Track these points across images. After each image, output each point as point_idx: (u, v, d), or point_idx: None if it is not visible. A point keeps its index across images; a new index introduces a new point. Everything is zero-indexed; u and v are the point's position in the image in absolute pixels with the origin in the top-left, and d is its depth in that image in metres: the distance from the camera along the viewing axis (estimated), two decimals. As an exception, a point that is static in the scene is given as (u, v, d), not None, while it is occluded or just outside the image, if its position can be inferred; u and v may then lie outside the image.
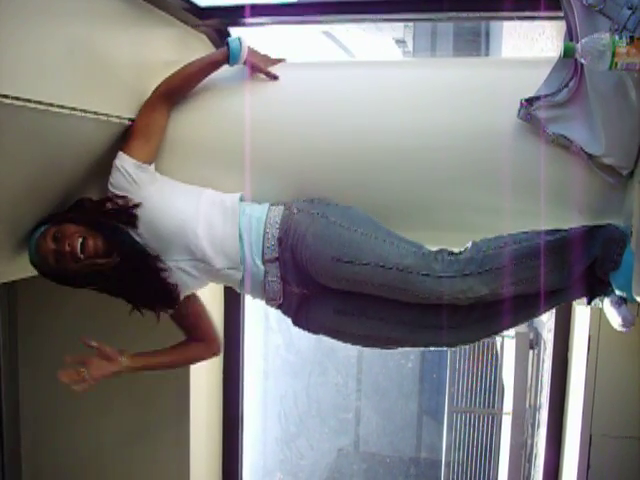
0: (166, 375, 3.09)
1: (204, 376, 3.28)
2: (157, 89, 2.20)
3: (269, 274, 2.13)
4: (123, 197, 2.10)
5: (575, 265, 2.01)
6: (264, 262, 2.12)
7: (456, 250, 2.07)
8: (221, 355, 3.37)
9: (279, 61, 2.31)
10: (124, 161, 2.11)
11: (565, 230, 2.04)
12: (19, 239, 2.08)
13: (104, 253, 2.01)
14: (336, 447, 14.97)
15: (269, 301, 2.20)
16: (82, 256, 1.97)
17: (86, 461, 3.33)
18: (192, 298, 2.27)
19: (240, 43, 2.19)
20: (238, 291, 2.28)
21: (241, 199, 2.22)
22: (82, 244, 1.96)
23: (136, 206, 2.09)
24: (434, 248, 2.09)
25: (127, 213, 2.09)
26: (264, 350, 14.61)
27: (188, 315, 2.27)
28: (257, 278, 2.15)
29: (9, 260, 2.15)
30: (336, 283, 2.09)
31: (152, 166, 2.17)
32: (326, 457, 14.91)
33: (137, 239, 2.09)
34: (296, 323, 2.24)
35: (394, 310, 2.11)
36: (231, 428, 3.53)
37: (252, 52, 2.23)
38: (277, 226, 2.12)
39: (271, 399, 15.00)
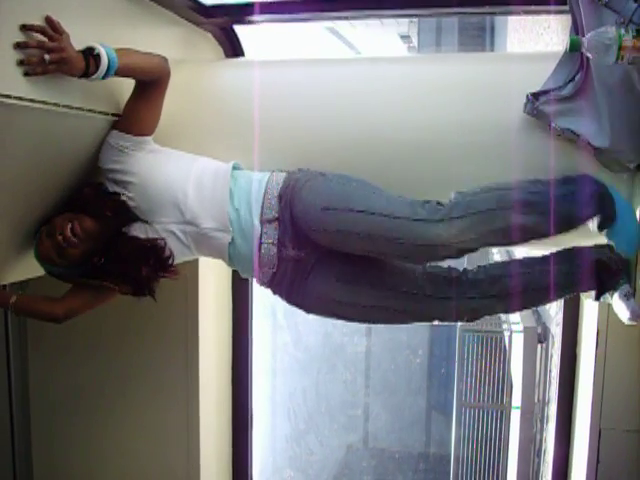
0: (176, 375, 3.12)
1: (213, 375, 3.29)
2: None
3: (265, 235, 2.10)
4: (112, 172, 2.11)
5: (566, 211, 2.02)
6: (262, 222, 2.09)
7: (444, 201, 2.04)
8: (230, 353, 3.40)
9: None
10: (110, 136, 2.11)
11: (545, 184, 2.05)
12: (24, 238, 2.09)
13: (96, 230, 2.04)
14: (345, 443, 14.99)
15: (262, 268, 2.14)
16: (76, 240, 1.99)
17: (96, 458, 3.35)
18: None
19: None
20: (228, 264, 2.23)
21: (236, 167, 2.20)
22: (72, 229, 1.99)
23: (116, 194, 2.10)
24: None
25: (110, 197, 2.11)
26: (272, 348, 14.64)
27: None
28: (253, 240, 2.11)
29: (15, 259, 2.17)
30: (326, 237, 2.07)
31: (145, 138, 2.14)
32: (335, 453, 14.94)
33: (130, 203, 2.10)
34: (290, 297, 2.19)
35: (401, 279, 2.11)
36: (241, 426, 3.53)
37: None
38: (279, 185, 2.11)
39: (280, 396, 15.04)
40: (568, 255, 2.14)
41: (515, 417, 7.86)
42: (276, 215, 2.09)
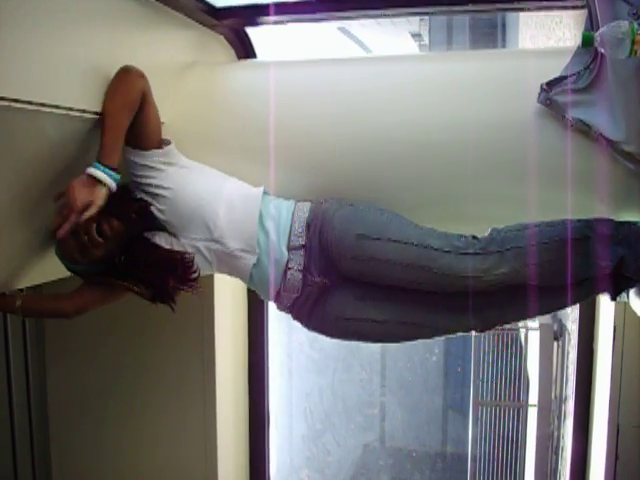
0: (192, 376, 3.13)
1: (230, 376, 3.30)
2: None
3: (292, 261, 2.13)
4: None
5: (600, 260, 2.01)
6: (289, 249, 2.13)
7: (478, 235, 2.09)
8: (246, 354, 3.40)
9: None
10: (136, 155, 2.10)
11: (589, 226, 2.03)
12: (43, 240, 2.10)
13: (122, 230, 2.04)
14: (362, 443, 14.96)
15: (286, 293, 2.17)
16: (101, 240, 2.00)
17: (114, 458, 3.36)
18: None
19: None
20: (247, 284, 2.25)
21: (266, 192, 2.23)
22: (97, 228, 1.99)
23: (145, 202, 2.11)
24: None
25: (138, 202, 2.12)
26: (288, 348, 14.64)
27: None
28: (279, 265, 2.14)
29: (35, 263, 2.18)
30: (358, 265, 2.10)
31: (168, 147, 2.14)
32: (352, 453, 14.92)
33: (159, 216, 2.12)
34: (309, 322, 2.22)
35: (417, 294, 2.11)
36: (257, 426, 3.54)
37: None
38: (306, 215, 2.15)
39: (296, 397, 15.03)
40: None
41: (532, 415, 7.83)
42: (303, 243, 2.13)
